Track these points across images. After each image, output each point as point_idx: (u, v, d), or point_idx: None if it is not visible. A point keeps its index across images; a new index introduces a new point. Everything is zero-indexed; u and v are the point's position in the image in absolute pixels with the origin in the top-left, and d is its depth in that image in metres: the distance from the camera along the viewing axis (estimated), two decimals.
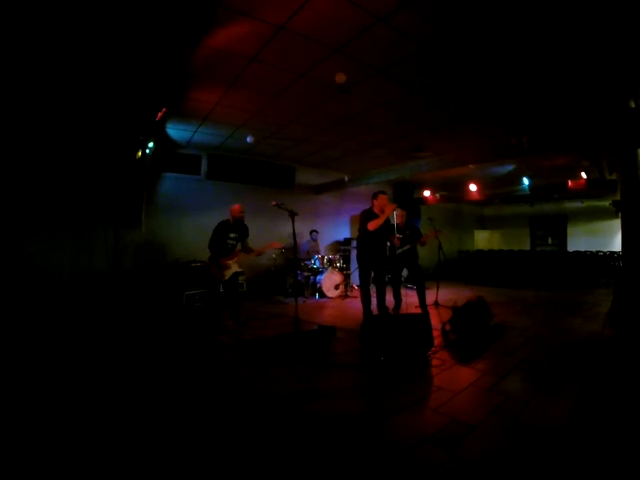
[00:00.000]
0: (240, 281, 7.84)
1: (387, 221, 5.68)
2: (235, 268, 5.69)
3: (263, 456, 2.19)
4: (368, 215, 5.59)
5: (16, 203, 6.19)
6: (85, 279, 6.98)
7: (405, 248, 7.09)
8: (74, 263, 6.92)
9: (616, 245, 12.68)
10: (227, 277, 5.63)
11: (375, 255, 5.59)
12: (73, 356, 4.10)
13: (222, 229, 5.64)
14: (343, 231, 11.84)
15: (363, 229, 5.58)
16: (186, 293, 7.42)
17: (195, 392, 3.15)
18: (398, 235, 6.52)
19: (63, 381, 3.36)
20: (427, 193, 12.24)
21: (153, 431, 2.47)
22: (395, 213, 6.11)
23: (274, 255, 8.99)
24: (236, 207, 5.75)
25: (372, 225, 5.39)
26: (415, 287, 7.67)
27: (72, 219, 6.88)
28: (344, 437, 2.41)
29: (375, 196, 5.66)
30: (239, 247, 5.80)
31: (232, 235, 5.69)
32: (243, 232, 5.82)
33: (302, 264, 8.92)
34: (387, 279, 5.94)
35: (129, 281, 7.39)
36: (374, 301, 5.66)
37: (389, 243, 6.29)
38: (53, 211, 6.65)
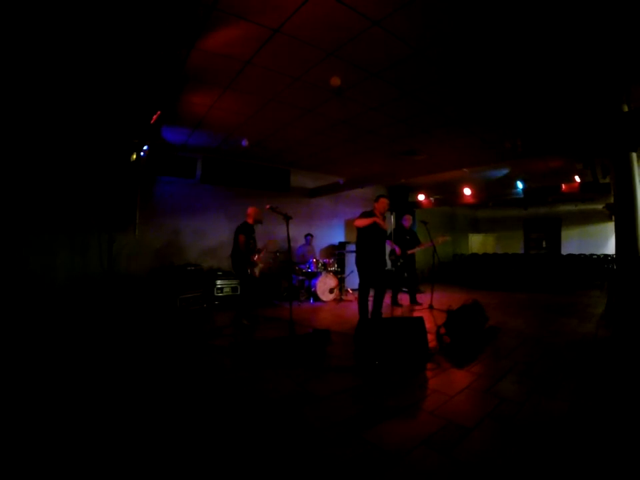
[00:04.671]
0: (233, 285, 7.93)
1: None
2: (260, 264, 6.20)
3: (258, 458, 2.17)
4: (368, 215, 5.65)
5: (9, 206, 6.13)
6: (78, 282, 6.92)
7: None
8: (67, 266, 6.86)
9: (609, 247, 12.77)
10: (258, 275, 6.20)
11: (375, 259, 5.58)
12: (67, 360, 4.05)
13: (246, 229, 6.05)
14: (338, 235, 11.83)
15: (360, 232, 5.61)
16: (180, 296, 7.37)
17: (190, 395, 3.13)
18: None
19: (59, 385, 3.32)
20: (421, 197, 12.28)
21: (150, 434, 2.44)
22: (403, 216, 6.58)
23: (270, 259, 8.99)
24: (256, 210, 6.22)
25: (359, 222, 5.50)
26: (408, 290, 7.92)
27: (65, 221, 6.82)
28: (338, 439, 2.40)
29: (376, 199, 5.79)
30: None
31: (253, 235, 6.17)
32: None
33: (296, 268, 8.91)
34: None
35: (123, 284, 7.34)
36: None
37: (388, 248, 6.54)
38: (47, 214, 6.58)
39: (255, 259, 6.10)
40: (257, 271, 6.12)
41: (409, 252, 7.77)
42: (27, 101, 5.44)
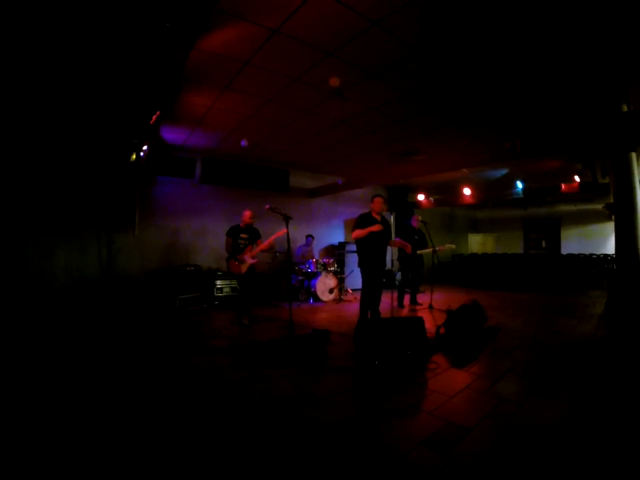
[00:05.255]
0: (233, 285, 7.94)
1: (388, 226, 5.74)
2: (249, 260, 6.17)
3: (258, 460, 2.17)
4: (364, 218, 5.64)
5: (8, 206, 6.12)
6: (77, 282, 6.91)
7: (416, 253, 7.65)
8: (66, 266, 6.85)
9: (609, 247, 12.76)
10: (244, 271, 6.16)
11: (377, 261, 5.60)
12: (66, 361, 4.05)
13: (233, 231, 6.21)
14: (337, 235, 11.83)
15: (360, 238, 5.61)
16: (180, 296, 7.37)
17: (189, 396, 3.12)
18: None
19: (58, 385, 3.31)
20: (421, 197, 12.27)
21: (148, 435, 2.44)
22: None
23: (268, 260, 8.98)
24: (246, 212, 6.31)
25: (356, 234, 5.52)
26: (410, 290, 7.92)
27: (65, 222, 6.81)
28: (338, 440, 2.39)
29: (372, 199, 5.80)
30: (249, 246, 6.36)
31: (242, 236, 6.23)
32: (254, 235, 6.36)
33: (296, 268, 8.90)
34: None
35: (122, 284, 7.33)
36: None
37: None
38: (46, 214, 6.58)
39: (245, 257, 6.13)
40: (243, 267, 6.15)
41: (418, 252, 7.78)
42: (27, 102, 5.43)
